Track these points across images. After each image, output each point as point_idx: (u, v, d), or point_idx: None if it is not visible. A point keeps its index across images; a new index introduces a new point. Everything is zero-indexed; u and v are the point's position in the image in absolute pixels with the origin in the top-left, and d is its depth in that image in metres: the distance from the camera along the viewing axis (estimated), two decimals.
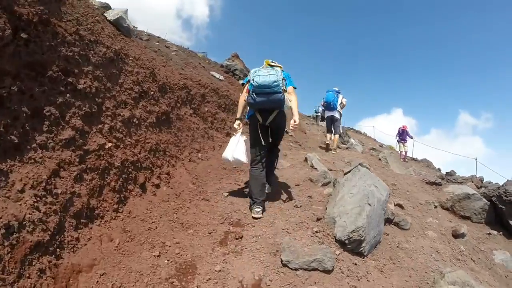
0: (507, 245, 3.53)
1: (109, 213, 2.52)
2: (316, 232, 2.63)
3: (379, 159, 6.02)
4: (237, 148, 3.14)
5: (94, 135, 2.62)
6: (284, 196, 3.47)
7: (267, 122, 3.00)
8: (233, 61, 7.83)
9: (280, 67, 3.12)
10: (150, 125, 3.52)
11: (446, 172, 8.92)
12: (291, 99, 3.02)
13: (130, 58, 3.74)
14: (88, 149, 2.50)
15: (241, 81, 6.92)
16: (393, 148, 12.42)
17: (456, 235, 3.41)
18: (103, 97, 2.90)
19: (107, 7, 4.01)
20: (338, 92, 6.86)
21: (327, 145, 6.35)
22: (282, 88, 2.85)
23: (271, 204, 3.28)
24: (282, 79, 2.88)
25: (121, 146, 2.91)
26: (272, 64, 3.15)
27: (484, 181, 5.02)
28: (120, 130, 2.97)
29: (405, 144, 11.11)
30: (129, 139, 3.06)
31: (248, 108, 3.21)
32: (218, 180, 3.92)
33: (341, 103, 6.85)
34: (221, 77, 6.52)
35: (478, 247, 3.35)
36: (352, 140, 9.23)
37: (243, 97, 3.15)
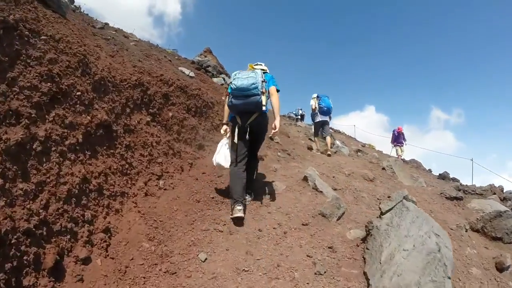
0: None
1: None
2: None
3: (383, 168, 5.08)
4: (220, 151, 3.04)
5: None
6: (292, 249, 2.32)
7: (247, 123, 2.93)
8: (205, 56, 6.51)
9: (264, 69, 3.14)
10: (71, 149, 2.11)
11: (440, 174, 8.45)
12: (272, 100, 2.95)
13: (42, 37, 2.30)
14: None
15: (214, 79, 5.96)
16: (373, 147, 11.77)
17: (502, 269, 2.95)
18: None
19: None
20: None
21: (325, 150, 6.48)
22: (261, 90, 2.79)
23: (276, 267, 2.11)
24: (262, 81, 2.83)
25: (0, 204, 1.50)
26: (256, 66, 3.14)
27: (504, 191, 4.36)
28: None
29: (402, 147, 10.22)
30: (21, 185, 1.64)
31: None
32: (189, 225, 2.63)
33: None
34: (192, 74, 5.16)
35: None
36: (338, 142, 8.33)
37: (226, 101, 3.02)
